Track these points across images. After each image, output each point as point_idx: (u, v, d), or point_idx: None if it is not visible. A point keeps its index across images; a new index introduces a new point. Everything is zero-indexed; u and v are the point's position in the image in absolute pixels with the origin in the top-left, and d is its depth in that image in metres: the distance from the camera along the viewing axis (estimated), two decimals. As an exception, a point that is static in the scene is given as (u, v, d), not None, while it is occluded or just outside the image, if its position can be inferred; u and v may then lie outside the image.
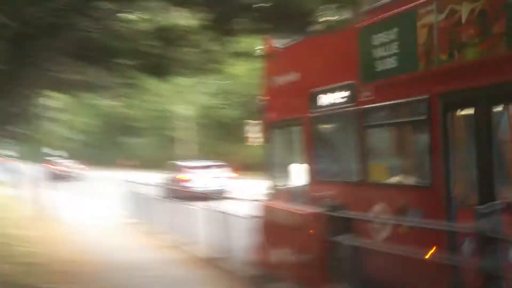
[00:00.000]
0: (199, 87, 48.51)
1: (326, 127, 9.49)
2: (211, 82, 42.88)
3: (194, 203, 11.65)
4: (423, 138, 6.99)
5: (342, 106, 8.50)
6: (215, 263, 9.58)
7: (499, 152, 5.98)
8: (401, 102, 7.36)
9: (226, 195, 15.04)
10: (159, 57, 7.44)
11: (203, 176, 22.27)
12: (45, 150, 18.72)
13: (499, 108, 6.08)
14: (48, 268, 9.41)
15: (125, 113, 58.20)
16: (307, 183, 9.22)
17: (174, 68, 8.21)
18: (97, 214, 18.26)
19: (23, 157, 33.78)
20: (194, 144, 49.45)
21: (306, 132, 9.50)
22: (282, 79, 10.34)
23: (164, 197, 14.79)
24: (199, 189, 17.77)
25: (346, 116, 8.48)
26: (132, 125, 58.96)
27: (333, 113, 8.80)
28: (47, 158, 17.15)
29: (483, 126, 6.02)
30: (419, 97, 6.87)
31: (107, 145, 66.52)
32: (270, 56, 10.37)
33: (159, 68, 7.88)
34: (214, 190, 18.25)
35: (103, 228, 15.06)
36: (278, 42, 9.98)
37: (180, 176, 23.06)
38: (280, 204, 7.74)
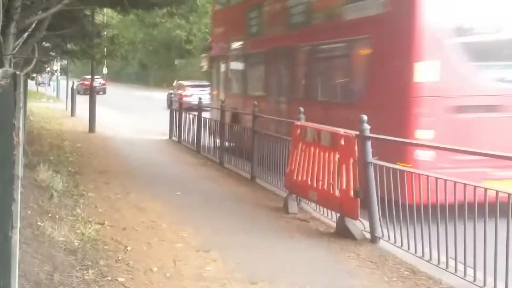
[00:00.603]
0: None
1: (234, 63, 15.14)
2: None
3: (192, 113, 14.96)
4: (262, 73, 13.27)
5: (239, 50, 14.56)
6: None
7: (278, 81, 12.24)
8: (257, 52, 13.38)
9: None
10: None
11: (198, 93, 26.74)
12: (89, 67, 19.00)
13: (284, 61, 11.84)
14: (88, 177, 9.80)
15: (179, 35, 58.24)
16: (225, 96, 14.63)
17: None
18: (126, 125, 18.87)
19: (69, 73, 34.96)
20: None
21: (225, 65, 15.49)
22: (218, 29, 16.63)
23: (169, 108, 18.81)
24: (194, 102, 21.96)
25: (240, 57, 14.56)
26: (185, 47, 58.94)
27: (236, 54, 14.82)
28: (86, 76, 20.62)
29: (274, 69, 12.41)
30: (262, 50, 12.95)
31: (161, 66, 67.04)
32: (213, 12, 18.05)
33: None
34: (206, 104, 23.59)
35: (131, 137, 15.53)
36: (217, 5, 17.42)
37: (182, 92, 29.37)
38: (313, 124, 7.55)
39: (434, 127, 7.48)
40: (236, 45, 14.76)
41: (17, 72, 2.77)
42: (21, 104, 2.92)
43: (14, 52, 3.65)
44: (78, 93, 34.85)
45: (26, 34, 3.82)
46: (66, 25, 10.03)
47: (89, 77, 20.69)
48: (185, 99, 23.88)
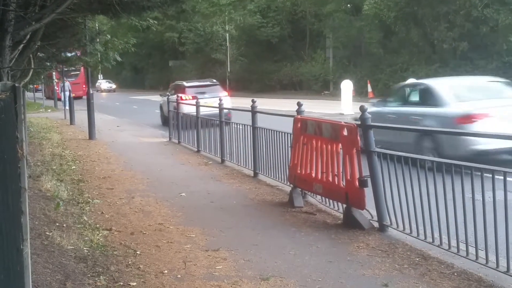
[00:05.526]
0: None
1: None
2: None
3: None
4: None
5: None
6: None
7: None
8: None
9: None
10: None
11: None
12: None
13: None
14: (92, 184, 9.76)
15: (170, 37, 58.19)
16: None
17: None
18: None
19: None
20: (233, 64, 49.25)
21: None
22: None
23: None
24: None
25: None
26: (177, 48, 58.87)
27: None
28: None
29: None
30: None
31: (156, 69, 66.96)
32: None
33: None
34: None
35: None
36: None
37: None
38: (314, 117, 7.59)
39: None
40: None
41: (16, 85, 2.75)
42: (23, 117, 2.92)
43: (11, 64, 3.64)
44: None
45: (21, 46, 3.80)
46: (60, 34, 9.99)
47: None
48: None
